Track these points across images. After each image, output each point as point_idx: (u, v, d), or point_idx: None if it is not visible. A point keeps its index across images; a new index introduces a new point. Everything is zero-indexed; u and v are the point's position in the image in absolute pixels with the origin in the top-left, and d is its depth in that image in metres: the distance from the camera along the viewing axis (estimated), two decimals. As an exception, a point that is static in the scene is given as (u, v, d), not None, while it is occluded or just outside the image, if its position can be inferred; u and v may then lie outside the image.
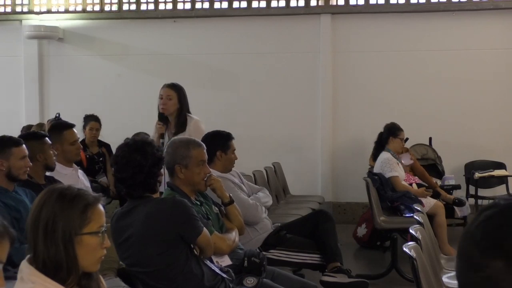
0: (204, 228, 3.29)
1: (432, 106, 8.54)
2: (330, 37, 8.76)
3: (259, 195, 4.86)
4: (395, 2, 8.66)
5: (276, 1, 8.87)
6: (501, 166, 8.15)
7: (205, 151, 3.70)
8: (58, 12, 9.38)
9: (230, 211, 3.85)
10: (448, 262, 4.42)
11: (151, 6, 9.16)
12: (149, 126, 5.61)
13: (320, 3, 8.85)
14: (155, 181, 3.27)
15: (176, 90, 5.18)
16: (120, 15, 9.24)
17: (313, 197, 7.95)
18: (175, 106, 5.14)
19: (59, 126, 4.86)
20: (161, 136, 5.22)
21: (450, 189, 7.33)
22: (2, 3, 9.56)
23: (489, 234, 0.98)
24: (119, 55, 9.25)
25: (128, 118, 8.73)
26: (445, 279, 3.96)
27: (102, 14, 9.29)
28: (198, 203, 3.68)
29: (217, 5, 9.00)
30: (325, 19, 8.76)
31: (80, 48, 9.33)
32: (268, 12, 8.90)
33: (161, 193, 3.67)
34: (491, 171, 7.92)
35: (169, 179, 3.71)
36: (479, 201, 7.72)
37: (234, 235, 3.71)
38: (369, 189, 6.30)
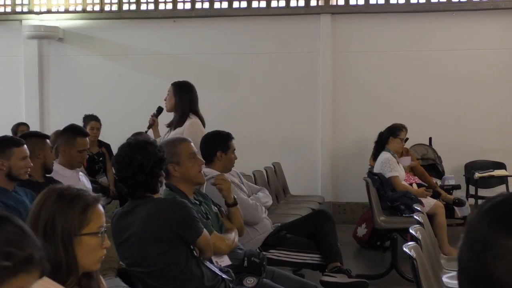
0: (204, 230, 3.29)
1: (432, 106, 8.55)
2: (330, 37, 8.76)
3: (259, 195, 4.86)
4: (395, 2, 8.66)
5: (276, 1, 8.87)
6: (501, 166, 8.15)
7: (192, 144, 3.72)
8: (58, 12, 9.37)
9: (233, 213, 3.86)
10: (448, 262, 4.42)
11: (151, 6, 9.16)
12: (149, 126, 5.62)
13: (320, 3, 8.85)
14: (156, 181, 3.27)
15: (173, 86, 5.23)
16: (120, 15, 9.24)
17: (313, 197, 7.95)
18: (171, 102, 5.17)
19: (75, 131, 4.87)
20: (148, 126, 5.38)
21: (450, 189, 7.33)
22: (2, 3, 9.56)
23: (500, 216, 1.09)
24: (119, 55, 9.25)
25: (128, 118, 8.72)
26: (445, 279, 3.96)
27: (102, 14, 9.29)
28: (197, 202, 3.68)
29: (217, 5, 9.00)
30: (325, 19, 8.76)
31: (80, 48, 9.33)
32: (268, 12, 8.90)
33: None
34: (491, 171, 7.91)
35: (167, 180, 3.71)
36: (479, 201, 7.71)
37: (233, 235, 3.72)
38: (369, 189, 6.30)
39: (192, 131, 4.96)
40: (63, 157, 4.75)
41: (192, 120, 5.10)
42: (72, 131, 4.85)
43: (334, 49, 8.77)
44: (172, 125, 5.20)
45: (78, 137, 4.78)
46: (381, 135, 6.93)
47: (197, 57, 9.07)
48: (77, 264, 2.06)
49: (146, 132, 5.31)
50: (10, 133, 7.59)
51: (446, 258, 4.61)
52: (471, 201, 7.72)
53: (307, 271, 5.08)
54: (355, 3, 8.77)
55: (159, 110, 5.45)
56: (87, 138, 4.91)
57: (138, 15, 9.17)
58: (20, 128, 7.86)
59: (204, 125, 5.18)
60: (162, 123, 5.44)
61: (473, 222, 1.12)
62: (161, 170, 3.29)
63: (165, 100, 5.27)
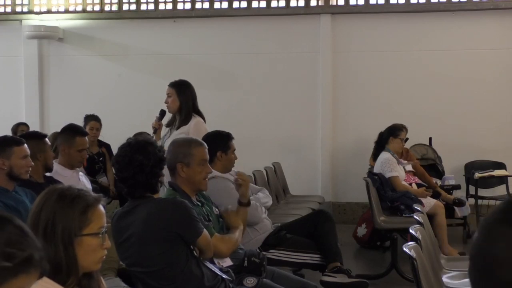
0: (204, 230, 3.29)
1: (432, 106, 8.55)
2: (330, 37, 8.76)
3: (259, 196, 4.86)
4: (395, 2, 8.66)
5: (276, 1, 8.87)
6: (501, 166, 8.15)
7: (206, 150, 3.72)
8: (58, 12, 9.37)
9: (242, 213, 3.89)
10: (448, 262, 4.42)
11: (151, 6, 9.16)
12: (150, 126, 5.63)
13: (320, 3, 8.85)
14: (156, 181, 3.27)
15: (174, 87, 5.22)
16: (120, 15, 9.24)
17: (313, 197, 7.95)
18: (176, 103, 5.17)
19: (74, 130, 4.86)
20: (154, 131, 5.34)
21: (450, 189, 7.33)
22: (2, 3, 9.56)
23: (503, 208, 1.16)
24: (119, 55, 9.25)
25: (128, 118, 8.73)
26: (445, 279, 3.96)
27: (102, 14, 9.29)
28: (199, 204, 3.69)
29: (217, 5, 9.00)
30: (325, 19, 8.76)
31: (80, 48, 9.33)
32: (268, 12, 8.90)
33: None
34: (491, 171, 7.91)
35: (170, 179, 3.71)
36: (479, 201, 7.71)
37: (237, 235, 3.71)
38: (369, 189, 6.30)
39: (197, 130, 4.98)
40: (63, 157, 4.75)
41: (196, 120, 5.11)
42: (71, 130, 4.85)
43: (334, 49, 8.77)
44: (173, 125, 5.20)
45: (77, 136, 4.78)
46: (381, 135, 6.93)
47: (197, 57, 9.07)
48: (77, 265, 2.06)
49: (153, 137, 5.27)
50: (10, 133, 7.59)
51: (446, 258, 4.61)
52: (471, 201, 7.71)
53: (307, 271, 5.08)
54: (355, 3, 8.77)
55: (162, 113, 5.41)
56: (86, 138, 4.91)
57: (138, 15, 9.17)
58: (20, 128, 7.86)
59: (204, 122, 5.20)
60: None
61: (489, 214, 1.17)
62: (161, 170, 3.29)
63: (166, 103, 5.25)
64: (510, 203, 1.14)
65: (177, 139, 3.92)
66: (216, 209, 3.84)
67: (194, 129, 5.01)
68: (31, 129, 7.32)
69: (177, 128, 5.11)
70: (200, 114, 5.20)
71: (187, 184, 3.64)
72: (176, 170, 3.62)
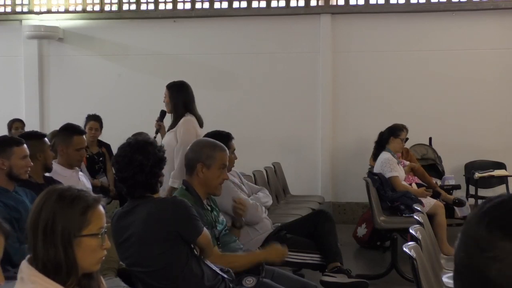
0: (205, 228, 3.29)
1: (432, 106, 8.55)
2: (330, 37, 8.76)
3: (259, 195, 4.87)
4: (395, 2, 8.67)
5: (276, 1, 8.87)
6: (501, 166, 8.15)
7: (227, 156, 3.78)
8: (58, 12, 9.38)
9: (235, 232, 3.97)
10: (448, 262, 4.42)
11: (151, 6, 9.16)
12: (149, 126, 5.63)
13: (320, 3, 8.85)
14: (156, 181, 3.27)
15: (167, 89, 5.24)
16: (120, 15, 9.24)
17: (313, 197, 7.95)
18: (169, 105, 5.18)
19: (71, 130, 4.86)
20: (156, 131, 5.39)
21: (450, 189, 7.33)
22: (2, 3, 9.56)
23: (498, 217, 1.05)
24: (119, 55, 9.25)
25: (128, 118, 8.73)
26: (445, 279, 3.96)
27: (102, 14, 9.29)
28: (209, 208, 3.72)
29: (217, 5, 9.00)
30: (325, 19, 8.76)
31: (80, 48, 9.33)
32: (268, 12, 8.90)
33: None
34: (491, 171, 7.91)
35: (186, 177, 3.73)
36: (479, 201, 7.71)
37: (240, 261, 3.69)
38: (369, 189, 6.30)
39: (184, 128, 4.97)
40: (62, 157, 4.76)
41: (186, 118, 5.09)
42: (68, 130, 4.85)
43: (334, 49, 8.77)
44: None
45: (75, 135, 4.78)
46: (381, 135, 6.93)
47: (197, 57, 9.07)
48: (77, 265, 2.06)
49: (154, 137, 5.27)
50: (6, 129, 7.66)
51: (446, 258, 4.61)
52: (471, 201, 7.72)
53: (307, 271, 5.08)
54: (355, 3, 8.77)
55: (162, 114, 5.43)
56: (84, 136, 4.91)
57: (138, 15, 9.17)
58: (14, 124, 7.92)
59: (202, 124, 5.16)
60: (167, 126, 5.44)
61: (471, 222, 1.09)
62: (161, 170, 3.30)
63: (164, 102, 5.27)
64: (495, 207, 1.08)
65: (201, 139, 3.96)
66: (223, 219, 3.87)
67: (182, 126, 5.01)
68: (31, 129, 7.31)
69: (168, 131, 5.12)
70: (195, 115, 5.17)
71: (203, 186, 3.68)
72: (195, 169, 3.65)
